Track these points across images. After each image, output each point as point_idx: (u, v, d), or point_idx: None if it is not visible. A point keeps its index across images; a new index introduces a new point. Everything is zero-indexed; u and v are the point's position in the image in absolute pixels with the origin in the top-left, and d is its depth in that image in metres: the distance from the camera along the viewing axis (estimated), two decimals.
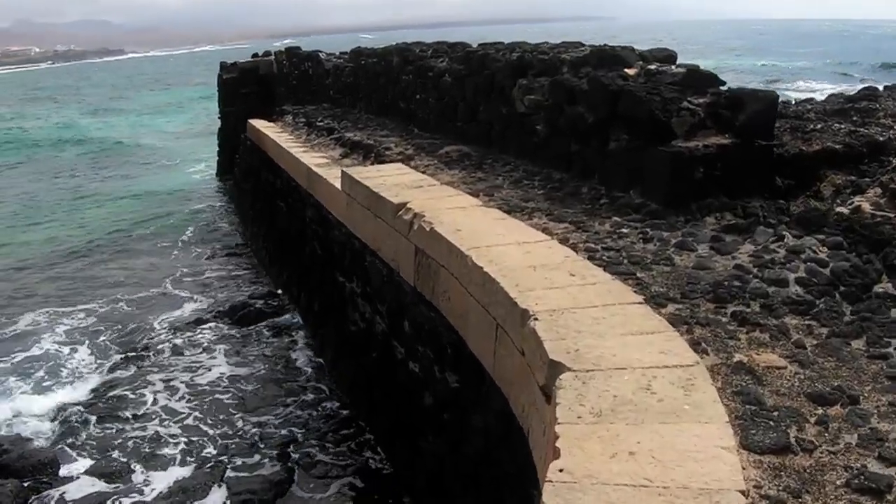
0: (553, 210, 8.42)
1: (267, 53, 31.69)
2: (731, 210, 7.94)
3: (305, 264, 14.21)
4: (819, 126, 9.25)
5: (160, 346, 14.48)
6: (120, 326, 16.07)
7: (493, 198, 9.13)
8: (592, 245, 7.01)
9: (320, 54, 24.32)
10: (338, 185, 11.23)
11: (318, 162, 13.80)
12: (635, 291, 5.67)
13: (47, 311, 17.72)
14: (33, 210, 29.41)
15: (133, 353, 14.29)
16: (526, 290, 5.57)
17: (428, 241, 7.63)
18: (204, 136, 41.81)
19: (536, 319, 5.06)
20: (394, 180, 9.88)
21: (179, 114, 65.10)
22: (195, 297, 17.42)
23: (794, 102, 12.88)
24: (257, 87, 30.60)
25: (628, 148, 8.70)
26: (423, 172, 11.02)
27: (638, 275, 6.24)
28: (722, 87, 8.85)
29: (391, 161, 12.40)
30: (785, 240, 6.99)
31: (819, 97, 13.48)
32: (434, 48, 16.00)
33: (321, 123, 17.99)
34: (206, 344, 14.26)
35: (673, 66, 9.73)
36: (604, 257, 6.66)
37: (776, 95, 8.75)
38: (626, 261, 6.58)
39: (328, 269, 12.42)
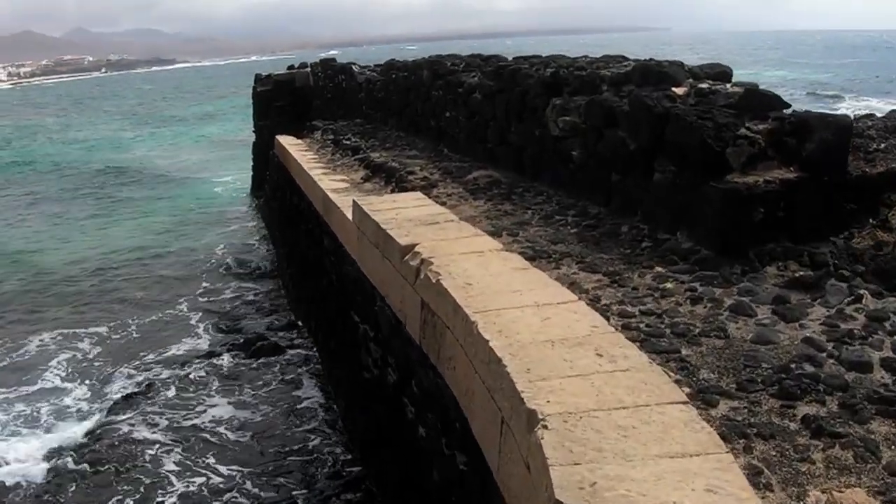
0: (586, 255, 7.26)
1: (303, 65, 30.98)
2: (796, 258, 6.75)
3: (322, 297, 13.20)
4: (882, 145, 7.98)
5: (166, 383, 13.67)
6: (129, 355, 15.42)
7: (517, 238, 8.01)
8: (629, 308, 5.84)
9: (354, 67, 23.39)
10: (350, 215, 10.18)
11: (335, 186, 12.79)
12: (679, 379, 4.52)
13: (58, 333, 17.23)
14: (58, 226, 29.00)
15: (137, 391, 13.50)
16: (538, 378, 4.44)
17: (434, 296, 6.53)
18: (243, 148, 41.28)
19: (546, 427, 3.92)
20: (407, 214, 8.80)
21: (221, 124, 64.95)
22: (211, 323, 16.62)
23: (853, 119, 11.66)
24: (292, 99, 29.95)
25: (675, 182, 7.52)
26: (445, 203, 9.96)
27: (683, 352, 5.07)
28: (786, 111, 7.61)
29: (413, 187, 11.35)
30: (863, 301, 5.81)
31: (854, 111, 12.22)
32: (467, 61, 14.94)
33: (347, 142, 17.01)
34: (213, 382, 13.37)
35: (728, 85, 8.51)
36: (641, 325, 5.49)
37: (849, 121, 7.51)
38: (668, 331, 5.41)
39: (343, 305, 11.38)
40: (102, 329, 17.20)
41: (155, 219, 28.39)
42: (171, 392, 13.15)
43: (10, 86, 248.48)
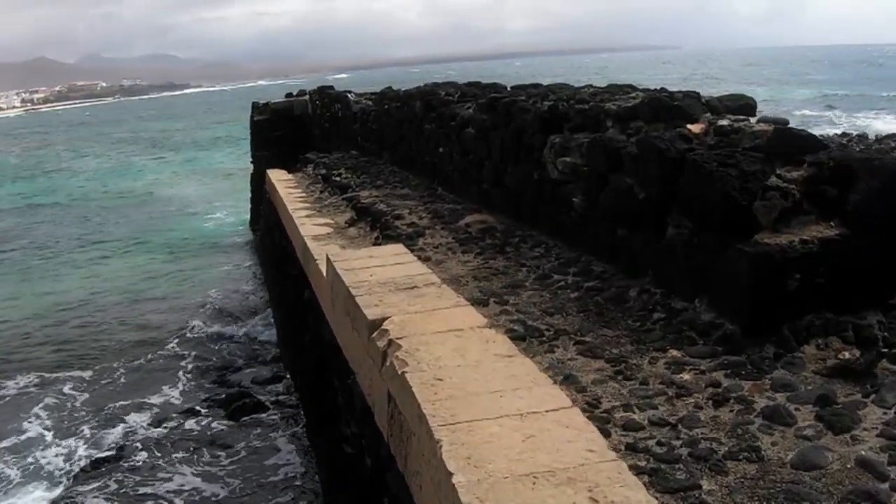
0: (586, 331, 6.11)
1: (302, 93, 30.06)
2: (838, 333, 5.61)
3: (305, 353, 12.10)
4: None
5: (137, 445, 12.72)
6: (106, 408, 14.61)
7: (507, 307, 6.87)
8: (636, 416, 4.68)
9: (350, 95, 22.38)
10: (325, 270, 9.07)
11: (317, 232, 11.71)
12: None
13: (38, 377, 16.55)
14: (47, 260, 28.11)
15: (109, 454, 12.60)
16: None
17: (399, 390, 5.42)
18: (245, 178, 40.36)
19: None
20: (384, 274, 7.71)
21: (228, 150, 64.21)
22: (195, 373, 15.65)
23: (875, 138, 10.59)
24: (291, 129, 29.03)
25: (693, 241, 6.38)
26: (430, 257, 8.88)
27: (704, 486, 3.92)
28: (823, 153, 6.45)
29: (400, 234, 10.26)
30: None
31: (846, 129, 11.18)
32: (463, 91, 13.87)
33: (337, 178, 15.96)
34: (187, 446, 12.31)
35: (752, 121, 7.36)
36: (651, 445, 4.33)
37: None
38: (685, 451, 4.25)
39: (322, 367, 10.28)
40: (83, 374, 16.59)
41: (148, 256, 27.50)
42: (141, 458, 12.19)
43: (23, 112, 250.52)
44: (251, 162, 30.59)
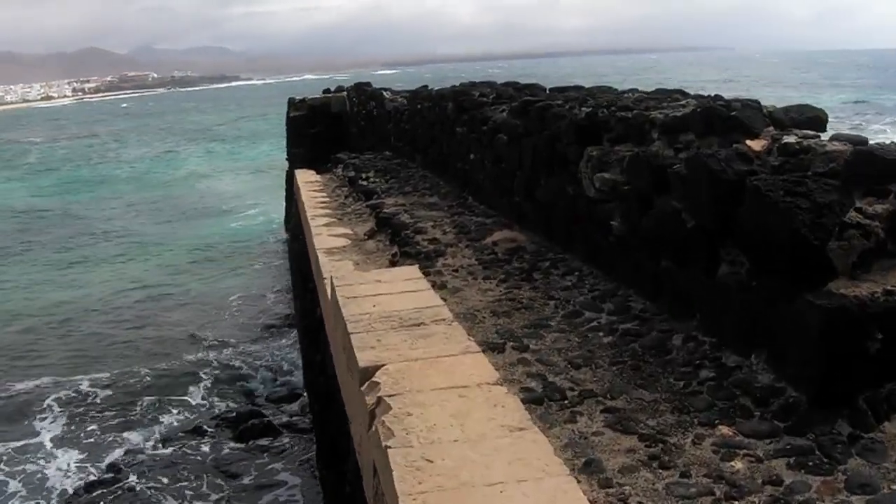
0: (619, 393, 5.10)
1: (340, 89, 29.23)
2: None
3: (318, 374, 11.22)
4: None
5: (136, 467, 12.04)
6: (112, 420, 13.91)
7: (526, 355, 5.87)
8: None
9: (385, 93, 21.43)
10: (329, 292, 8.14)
11: (332, 244, 10.81)
12: None
13: (52, 381, 15.95)
14: (72, 253, 27.67)
15: (110, 475, 11.79)
16: None
17: (381, 466, 4.48)
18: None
19: None
20: (390, 305, 6.77)
21: (268, 145, 63.81)
22: (208, 387, 14.85)
23: None
24: (327, 126, 28.18)
25: (751, 284, 5.32)
26: (447, 282, 7.92)
27: None
28: None
29: (418, 252, 9.33)
30: None
31: None
32: (499, 92, 12.85)
33: (364, 182, 15.06)
34: (188, 472, 11.52)
35: (824, 138, 6.26)
36: None
37: None
38: None
39: (331, 396, 9.37)
40: (95, 379, 16.01)
41: (175, 254, 26.90)
42: (138, 483, 11.49)
43: (75, 101, 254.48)
44: (286, 159, 29.82)
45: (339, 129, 27.93)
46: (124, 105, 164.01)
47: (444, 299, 7.12)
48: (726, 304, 5.59)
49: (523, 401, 4.89)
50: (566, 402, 4.95)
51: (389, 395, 4.96)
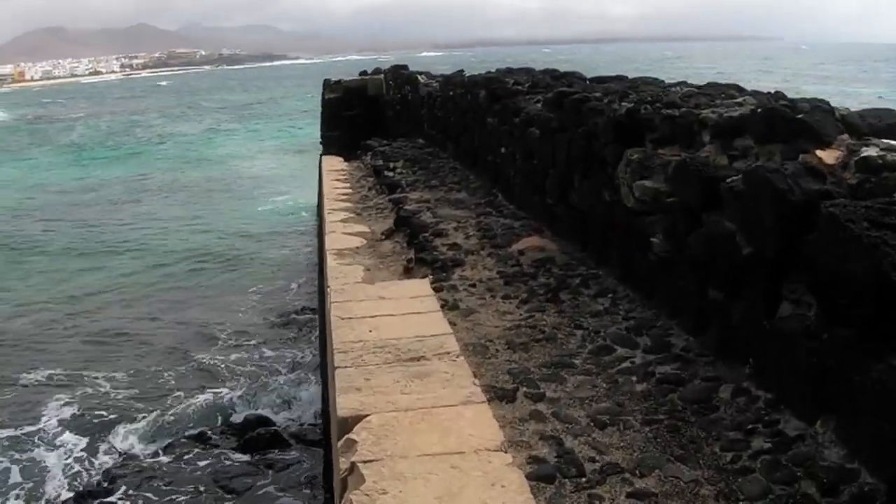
0: (650, 467, 4.13)
1: (377, 71, 28.30)
2: None
3: (326, 387, 10.34)
4: None
5: (135, 476, 11.20)
6: (118, 419, 13.29)
7: (542, 405, 4.93)
8: None
9: (421, 77, 20.45)
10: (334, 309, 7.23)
11: (344, 245, 9.90)
12: None
13: (57, 376, 15.56)
14: (97, 234, 27.18)
15: (103, 487, 11.06)
16: None
17: None
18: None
19: None
20: (387, 331, 5.90)
21: (310, 125, 63.29)
22: (216, 389, 14.07)
23: None
24: (363, 109, 27.28)
25: (818, 332, 4.32)
26: (461, 300, 6.99)
27: None
28: None
29: (435, 259, 8.42)
30: None
31: None
32: (535, 80, 11.84)
33: (389, 174, 14.15)
34: (184, 485, 10.78)
35: None
36: None
37: None
38: None
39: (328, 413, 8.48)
40: (105, 374, 15.34)
41: (199, 240, 26.18)
42: (129, 496, 10.61)
43: (123, 77, 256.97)
44: (320, 142, 28.97)
45: (376, 112, 27.03)
46: (163, 83, 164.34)
47: (454, 323, 6.20)
48: (787, 352, 4.59)
49: (530, 476, 3.97)
50: (584, 479, 3.99)
51: (366, 461, 4.08)
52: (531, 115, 10.02)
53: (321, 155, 27.31)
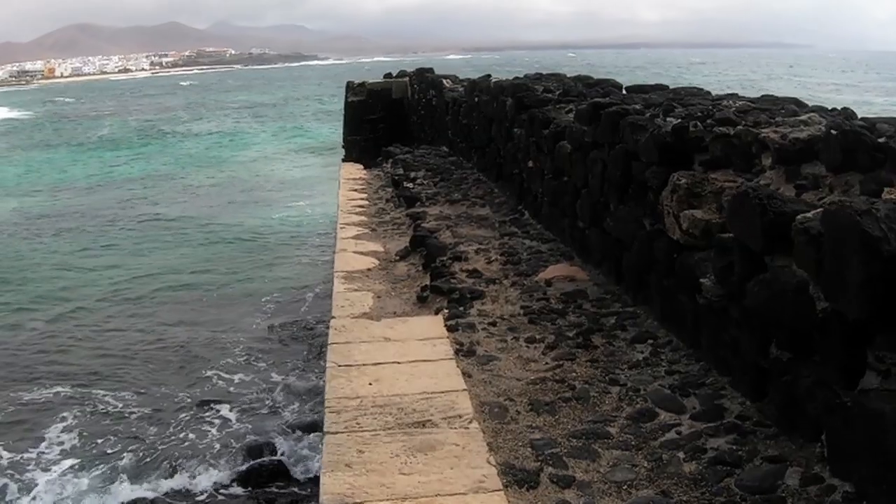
0: None
1: (402, 74, 27.54)
2: None
3: None
4: None
5: None
6: (116, 446, 12.41)
7: (569, 492, 4.08)
8: None
9: (446, 82, 19.60)
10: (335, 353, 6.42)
11: (354, 266, 9.13)
12: None
13: (63, 393, 14.78)
14: (106, 237, 26.63)
15: None
16: None
17: None
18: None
19: None
20: (389, 384, 5.13)
21: (335, 127, 62.79)
22: (221, 413, 13.29)
23: None
24: (387, 113, 26.54)
25: None
26: (479, 343, 6.16)
27: None
28: None
29: (452, 289, 7.57)
30: None
31: None
32: (567, 87, 10.99)
33: (409, 185, 13.36)
34: None
35: None
36: None
37: None
38: None
39: None
40: (116, 393, 14.50)
41: (215, 246, 25.46)
42: None
43: (151, 74, 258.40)
44: (342, 146, 28.23)
45: (400, 117, 26.29)
46: (185, 83, 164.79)
47: (469, 375, 5.38)
48: (872, 435, 3.72)
49: None
50: None
51: None
52: (562, 127, 9.16)
53: (345, 156, 26.72)
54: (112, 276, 22.14)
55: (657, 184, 6.31)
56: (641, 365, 5.57)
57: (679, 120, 6.38)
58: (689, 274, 5.71)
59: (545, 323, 6.49)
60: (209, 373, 14.91)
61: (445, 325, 6.31)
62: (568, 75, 13.29)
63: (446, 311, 6.89)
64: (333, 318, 7.29)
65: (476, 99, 14.24)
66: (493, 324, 6.52)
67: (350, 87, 27.88)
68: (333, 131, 53.61)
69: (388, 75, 27.97)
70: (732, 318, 5.12)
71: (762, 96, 7.42)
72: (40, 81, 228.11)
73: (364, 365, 5.39)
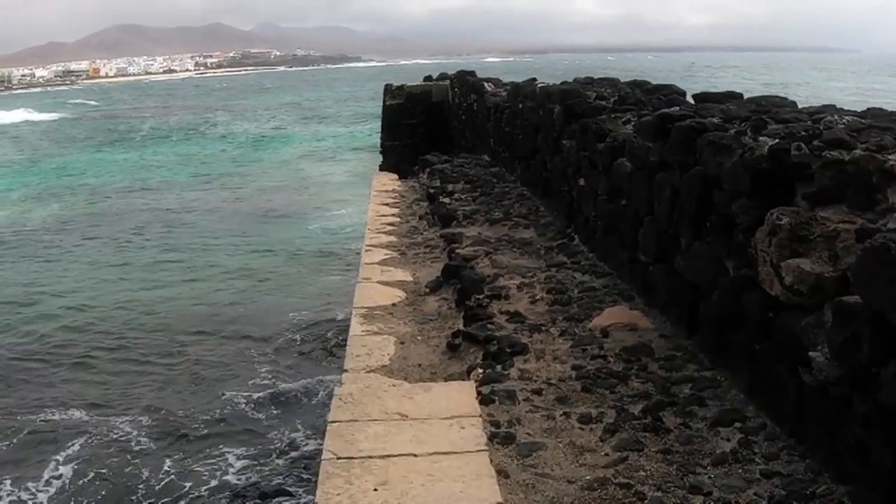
0: None
1: (443, 77, 26.35)
2: None
3: None
4: None
5: None
6: (126, 480, 11.81)
7: None
8: None
9: (487, 86, 18.32)
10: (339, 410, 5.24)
11: (376, 301, 7.98)
12: None
13: (74, 416, 14.22)
14: (128, 250, 25.77)
15: None
16: None
17: None
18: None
19: None
20: (397, 495, 3.91)
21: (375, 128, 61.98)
22: (236, 447, 12.36)
23: None
24: (427, 118, 25.40)
25: None
26: (520, 421, 4.97)
27: None
28: None
29: (489, 338, 6.38)
30: None
31: None
32: (622, 94, 9.72)
33: (445, 199, 12.21)
34: None
35: None
36: None
37: None
38: None
39: None
40: (121, 415, 13.98)
41: (241, 260, 24.51)
42: None
43: (195, 75, 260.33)
44: (380, 152, 27.13)
45: (440, 122, 25.15)
46: (224, 84, 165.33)
47: (506, 474, 4.19)
48: None
49: None
50: None
51: None
52: (620, 141, 7.92)
53: (382, 162, 25.64)
54: (135, 289, 21.34)
55: (748, 221, 5.04)
56: (729, 460, 4.32)
57: (777, 140, 5.10)
58: (791, 341, 4.45)
59: (602, 391, 5.26)
60: (230, 392, 14.34)
61: (479, 395, 5.11)
62: (620, 80, 12.02)
63: (480, 370, 5.69)
64: (345, 371, 6.15)
65: (520, 105, 13.00)
66: (538, 391, 5.30)
67: (388, 91, 26.77)
68: (372, 134, 52.75)
69: (429, 78, 26.80)
70: (857, 413, 3.85)
71: (868, 109, 6.11)
72: (85, 81, 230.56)
73: (370, 458, 4.21)
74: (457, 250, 9.06)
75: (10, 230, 29.46)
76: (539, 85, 11.87)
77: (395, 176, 16.61)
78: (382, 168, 26.20)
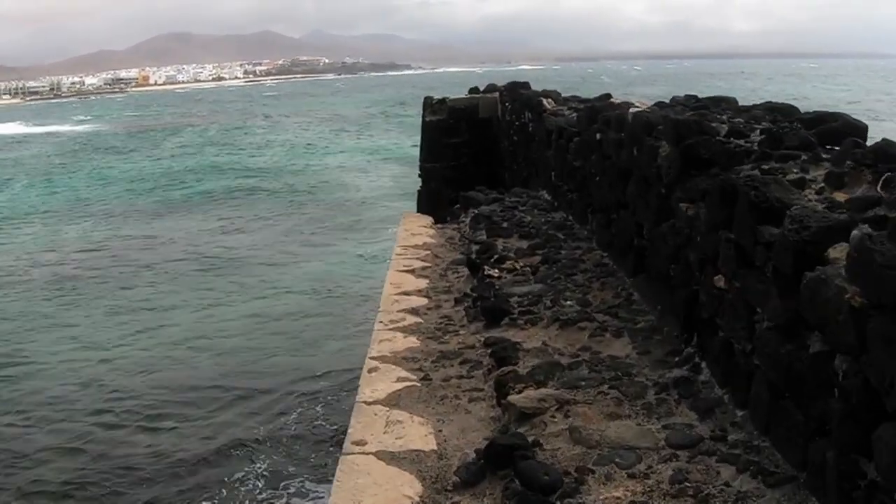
0: None
1: (491, 88, 22.80)
2: None
3: None
4: None
5: None
6: None
7: None
8: None
9: (547, 103, 14.62)
10: None
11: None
12: None
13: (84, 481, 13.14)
14: (150, 282, 22.89)
15: None
16: None
17: None
18: None
19: None
20: None
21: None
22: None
23: None
24: (473, 136, 21.92)
25: None
26: None
27: None
28: None
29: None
30: None
31: None
32: (767, 128, 6.11)
33: (494, 271, 8.68)
34: None
35: None
36: None
37: None
38: None
39: None
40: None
41: (272, 297, 21.52)
42: None
43: (244, 83, 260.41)
44: (419, 175, 23.68)
45: (488, 141, 21.68)
46: (271, 93, 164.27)
47: None
48: None
49: None
50: None
51: None
52: (811, 228, 4.28)
53: (422, 186, 22.47)
54: (148, 338, 18.60)
55: None
56: None
57: None
58: None
59: None
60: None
61: None
62: (737, 99, 8.44)
63: None
64: None
65: (598, 136, 9.38)
66: None
67: (428, 105, 23.25)
68: (416, 145, 49.83)
69: (475, 90, 23.26)
70: None
71: None
72: (134, 89, 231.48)
73: None
74: (510, 397, 5.50)
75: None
76: (633, 111, 8.10)
77: (429, 220, 13.12)
78: (420, 199, 22.79)
